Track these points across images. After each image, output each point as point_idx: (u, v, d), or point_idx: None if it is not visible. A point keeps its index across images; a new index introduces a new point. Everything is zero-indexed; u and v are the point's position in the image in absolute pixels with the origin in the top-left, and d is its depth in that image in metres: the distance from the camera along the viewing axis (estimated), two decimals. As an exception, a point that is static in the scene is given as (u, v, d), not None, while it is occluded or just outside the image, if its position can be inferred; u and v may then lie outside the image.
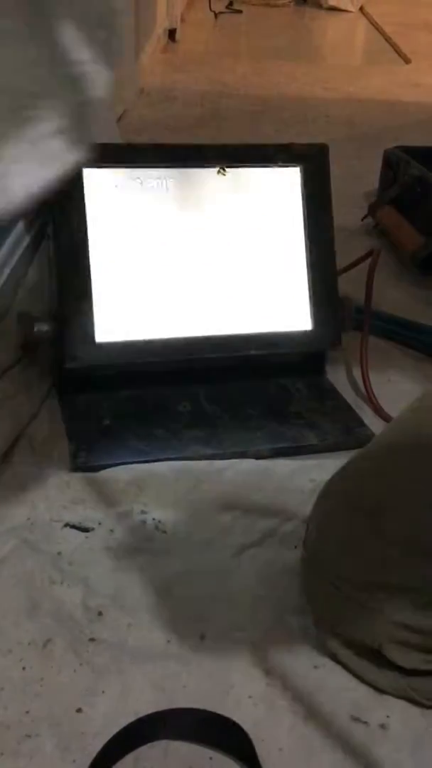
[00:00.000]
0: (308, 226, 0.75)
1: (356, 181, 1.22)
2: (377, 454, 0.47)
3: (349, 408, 0.75)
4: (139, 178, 0.72)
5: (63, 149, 0.39)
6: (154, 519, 0.61)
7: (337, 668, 0.50)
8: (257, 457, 0.68)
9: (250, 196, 0.74)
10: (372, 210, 1.10)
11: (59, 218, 0.70)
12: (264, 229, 0.75)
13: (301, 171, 0.75)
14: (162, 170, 0.73)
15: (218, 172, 0.74)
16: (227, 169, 0.74)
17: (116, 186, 0.71)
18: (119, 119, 1.46)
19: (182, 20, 2.36)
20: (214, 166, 0.74)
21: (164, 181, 0.73)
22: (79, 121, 0.39)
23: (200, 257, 0.73)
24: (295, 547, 0.59)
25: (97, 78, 0.38)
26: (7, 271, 0.85)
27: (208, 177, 0.74)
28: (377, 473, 0.46)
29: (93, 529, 0.60)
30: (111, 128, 1.24)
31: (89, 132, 0.40)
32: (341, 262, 0.77)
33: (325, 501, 0.51)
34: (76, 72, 0.37)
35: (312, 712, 0.48)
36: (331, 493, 0.50)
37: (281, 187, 0.75)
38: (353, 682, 0.49)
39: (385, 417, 0.74)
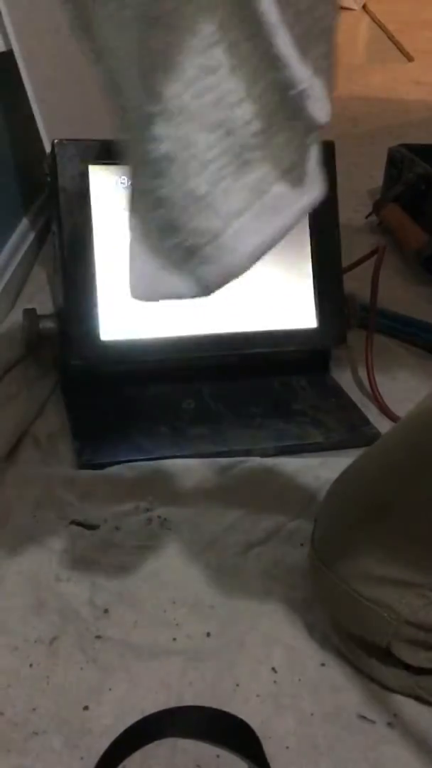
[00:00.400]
0: (314, 224, 0.75)
1: (360, 179, 1.22)
2: (387, 451, 0.47)
3: (354, 406, 0.75)
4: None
5: (290, 193, 0.32)
6: (159, 517, 0.61)
7: (345, 666, 0.50)
8: (262, 455, 0.68)
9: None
10: (376, 208, 1.10)
11: (64, 215, 0.69)
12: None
13: (306, 168, 0.74)
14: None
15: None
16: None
17: (121, 183, 0.71)
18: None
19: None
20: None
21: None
22: (304, 156, 0.33)
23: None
24: (301, 545, 0.59)
25: (319, 101, 0.31)
26: (11, 268, 0.85)
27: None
28: (387, 470, 0.46)
29: (99, 526, 0.60)
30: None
31: (315, 167, 0.33)
32: (345, 260, 0.77)
33: (334, 498, 0.51)
34: (296, 96, 0.30)
35: (319, 710, 0.48)
36: (339, 490, 0.50)
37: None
38: (360, 680, 0.49)
39: (390, 415, 0.74)
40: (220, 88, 0.29)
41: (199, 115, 0.29)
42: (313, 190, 0.34)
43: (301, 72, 0.30)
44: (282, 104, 0.30)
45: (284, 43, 0.29)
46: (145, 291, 0.34)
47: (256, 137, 0.30)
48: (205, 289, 0.33)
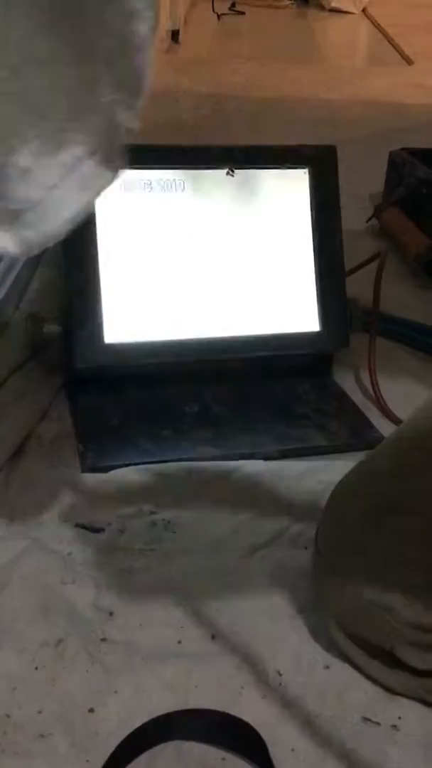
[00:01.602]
0: (316, 228, 0.75)
1: (361, 182, 1.22)
2: (391, 454, 0.48)
3: (357, 409, 0.75)
4: (146, 179, 0.72)
5: (95, 172, 0.37)
6: (163, 520, 0.61)
7: (349, 668, 0.50)
8: (265, 458, 0.68)
9: (259, 197, 0.75)
10: (377, 212, 1.10)
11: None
12: (272, 230, 0.75)
13: (309, 172, 0.75)
14: (170, 171, 0.73)
15: (227, 173, 0.74)
16: (235, 171, 0.74)
17: (124, 187, 0.71)
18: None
19: (185, 22, 2.36)
20: (222, 168, 0.74)
21: (172, 183, 0.73)
22: (110, 144, 0.37)
23: (208, 258, 0.73)
24: (305, 548, 0.59)
25: (125, 108, 0.36)
26: (15, 271, 0.86)
27: (216, 178, 0.74)
28: (391, 473, 0.46)
29: (103, 529, 0.60)
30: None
31: (119, 156, 0.38)
32: (346, 264, 0.77)
33: (337, 501, 0.51)
34: (108, 100, 0.35)
35: (324, 713, 0.48)
36: (343, 493, 0.50)
37: (289, 189, 0.75)
38: (365, 683, 0.50)
39: (393, 418, 0.74)
40: (38, 77, 0.34)
41: (22, 97, 0.34)
42: (116, 170, 0.38)
43: (113, 30, 0.34)
44: (93, 103, 0.35)
45: (95, 49, 0.34)
46: None
47: (68, 122, 0.35)
48: (28, 247, 0.37)
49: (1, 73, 0.33)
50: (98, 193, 0.38)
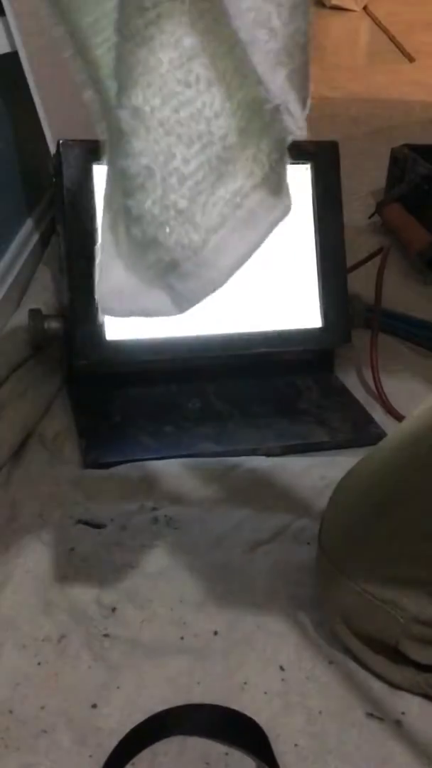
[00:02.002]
0: (318, 224, 0.75)
1: (362, 179, 1.22)
2: (394, 449, 0.47)
3: (359, 406, 0.75)
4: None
5: (263, 206, 0.32)
6: (165, 516, 0.61)
7: (352, 664, 0.50)
8: (268, 455, 0.68)
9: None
10: (379, 208, 1.10)
11: (69, 215, 0.70)
12: (274, 226, 0.74)
13: (311, 168, 0.75)
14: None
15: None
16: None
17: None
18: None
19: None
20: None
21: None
22: (276, 170, 0.33)
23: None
24: (308, 543, 0.59)
25: (293, 115, 0.31)
26: (16, 268, 0.86)
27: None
28: (394, 469, 0.46)
29: (105, 525, 0.60)
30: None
31: (286, 180, 0.33)
32: (348, 260, 0.77)
33: (340, 497, 0.51)
34: (271, 110, 0.30)
35: (327, 708, 0.48)
36: (346, 489, 0.50)
37: (291, 184, 0.75)
38: (368, 678, 0.49)
39: (395, 414, 0.74)
40: (198, 101, 0.30)
41: (177, 128, 0.30)
42: (285, 203, 0.34)
43: (276, 87, 0.30)
44: (255, 118, 0.31)
45: (259, 60, 0.30)
46: (119, 308, 0.33)
47: (230, 151, 0.31)
48: (184, 305, 0.33)
49: (152, 101, 0.28)
50: (269, 230, 0.33)
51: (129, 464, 0.66)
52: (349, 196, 0.77)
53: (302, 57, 0.31)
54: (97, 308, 0.34)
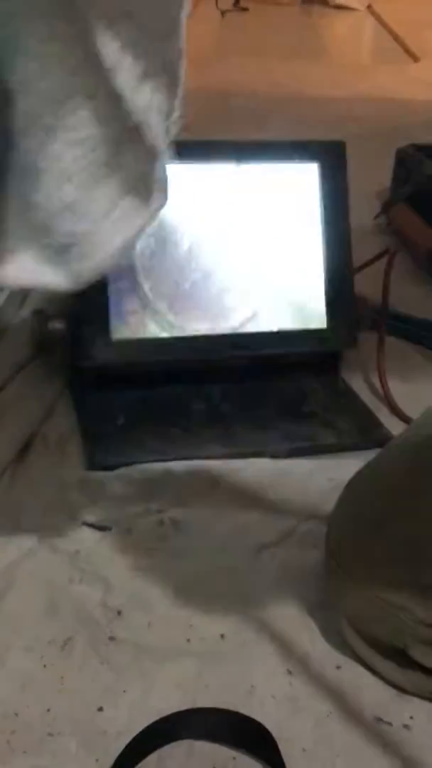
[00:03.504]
0: (325, 224, 0.74)
1: (367, 179, 1.21)
2: (404, 451, 0.47)
3: (366, 408, 0.75)
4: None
5: (139, 202, 0.38)
6: (171, 518, 0.61)
7: (360, 668, 0.50)
8: (274, 457, 0.68)
9: (267, 193, 0.74)
10: (385, 208, 1.10)
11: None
12: (280, 226, 0.74)
13: (318, 168, 0.74)
14: (177, 166, 0.72)
15: (235, 168, 0.73)
16: (243, 166, 0.73)
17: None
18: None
19: (189, 18, 2.35)
20: (230, 163, 0.73)
21: (179, 178, 0.72)
22: (150, 172, 0.38)
23: (215, 254, 0.73)
24: (315, 546, 0.58)
25: (155, 130, 0.36)
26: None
27: (224, 173, 0.73)
28: (404, 471, 0.46)
29: (110, 528, 0.60)
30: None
31: (160, 180, 0.39)
32: (354, 261, 0.77)
33: (348, 500, 0.50)
34: (134, 126, 0.36)
35: (335, 712, 0.47)
36: (353, 492, 0.50)
37: (298, 184, 0.75)
38: (376, 682, 0.49)
39: (402, 417, 0.74)
40: (78, 113, 0.35)
41: (64, 133, 0.35)
42: (158, 200, 0.39)
43: (136, 105, 0.35)
44: (120, 131, 0.36)
45: (123, 78, 0.34)
46: (21, 281, 0.39)
47: (110, 155, 0.36)
48: (77, 281, 0.38)
49: (45, 109, 0.33)
50: (142, 228, 0.39)
51: (134, 466, 0.65)
52: (354, 196, 0.77)
53: (170, 77, 0.36)
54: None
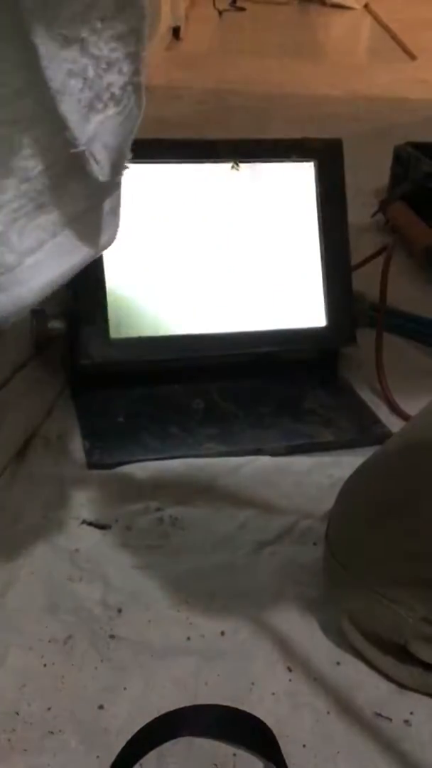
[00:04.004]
0: (322, 222, 0.75)
1: (365, 177, 1.22)
2: (404, 448, 0.47)
3: (365, 405, 0.75)
4: (151, 173, 0.71)
5: (78, 237, 0.36)
6: (170, 516, 0.61)
7: (360, 664, 0.50)
8: (273, 454, 0.68)
9: (264, 191, 0.74)
10: (383, 206, 1.10)
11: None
12: (278, 224, 0.74)
13: (315, 166, 0.74)
14: (175, 165, 0.72)
15: (231, 167, 0.73)
16: (241, 164, 0.73)
17: (128, 181, 0.71)
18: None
19: (186, 18, 2.36)
20: (227, 161, 0.73)
21: (177, 177, 0.72)
22: (95, 205, 0.36)
23: (214, 253, 0.73)
24: (314, 544, 0.58)
25: (99, 161, 0.34)
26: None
27: (221, 172, 0.73)
28: (404, 467, 0.46)
29: (110, 526, 0.60)
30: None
31: (107, 216, 0.37)
32: (352, 259, 0.77)
33: (347, 497, 0.50)
34: (78, 154, 0.34)
35: (335, 709, 0.48)
36: (352, 489, 0.50)
37: (295, 182, 0.75)
38: (376, 678, 0.49)
39: (401, 414, 0.74)
40: (14, 140, 0.33)
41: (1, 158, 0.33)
42: (103, 236, 0.38)
43: (81, 133, 0.34)
44: (70, 159, 0.34)
45: (68, 107, 0.33)
46: None
47: (48, 185, 0.34)
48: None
49: None
50: (79, 265, 0.37)
51: (133, 465, 0.65)
52: (352, 194, 0.77)
53: (117, 105, 0.35)
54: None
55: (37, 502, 0.61)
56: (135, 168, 0.71)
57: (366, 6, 2.83)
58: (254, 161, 0.74)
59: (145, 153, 0.71)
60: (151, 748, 0.45)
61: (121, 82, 0.34)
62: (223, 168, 0.73)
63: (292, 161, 0.75)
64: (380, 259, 0.81)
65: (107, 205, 0.38)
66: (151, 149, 0.73)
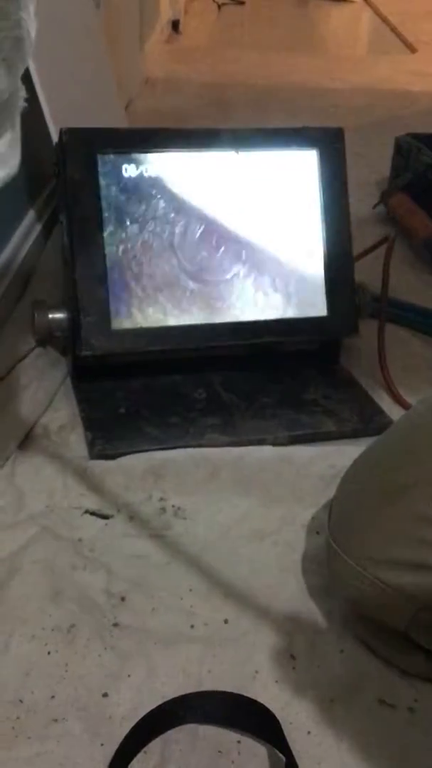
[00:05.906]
0: (325, 211, 0.74)
1: (366, 169, 1.21)
2: (405, 434, 0.47)
3: (367, 395, 0.75)
4: (153, 162, 0.71)
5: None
6: (173, 506, 0.61)
7: (363, 651, 0.50)
8: (275, 444, 0.68)
9: (266, 180, 0.74)
10: (384, 197, 1.09)
11: (72, 204, 0.69)
12: (280, 213, 0.74)
13: (317, 154, 0.74)
14: (177, 154, 0.72)
15: (234, 155, 0.73)
16: (243, 153, 0.73)
17: (130, 171, 0.71)
18: (125, 108, 1.46)
19: (185, 11, 2.35)
20: (229, 150, 0.73)
21: (179, 166, 0.72)
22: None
23: (216, 243, 0.73)
24: (317, 533, 0.58)
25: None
26: (20, 259, 0.85)
27: (223, 161, 0.73)
28: (405, 453, 0.46)
29: (112, 516, 0.60)
30: (119, 115, 1.23)
31: (8, 149, 0.42)
32: (354, 250, 0.77)
33: (349, 485, 0.50)
34: None
35: (339, 696, 0.48)
36: (354, 477, 0.50)
37: (297, 171, 0.74)
38: (380, 666, 0.49)
39: (403, 404, 0.74)
40: None
41: None
42: (6, 168, 0.42)
43: None
44: None
45: None
46: None
47: None
48: None
49: None
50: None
51: (135, 455, 0.65)
52: (353, 185, 0.76)
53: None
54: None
55: (40, 493, 0.61)
56: (137, 157, 0.71)
57: (366, -1, 2.82)
58: (256, 150, 0.74)
59: (147, 142, 0.72)
60: (156, 736, 0.45)
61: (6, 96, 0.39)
62: (226, 156, 0.73)
63: (294, 150, 0.74)
64: (382, 250, 0.81)
65: (7, 136, 0.41)
66: (153, 138, 0.72)
